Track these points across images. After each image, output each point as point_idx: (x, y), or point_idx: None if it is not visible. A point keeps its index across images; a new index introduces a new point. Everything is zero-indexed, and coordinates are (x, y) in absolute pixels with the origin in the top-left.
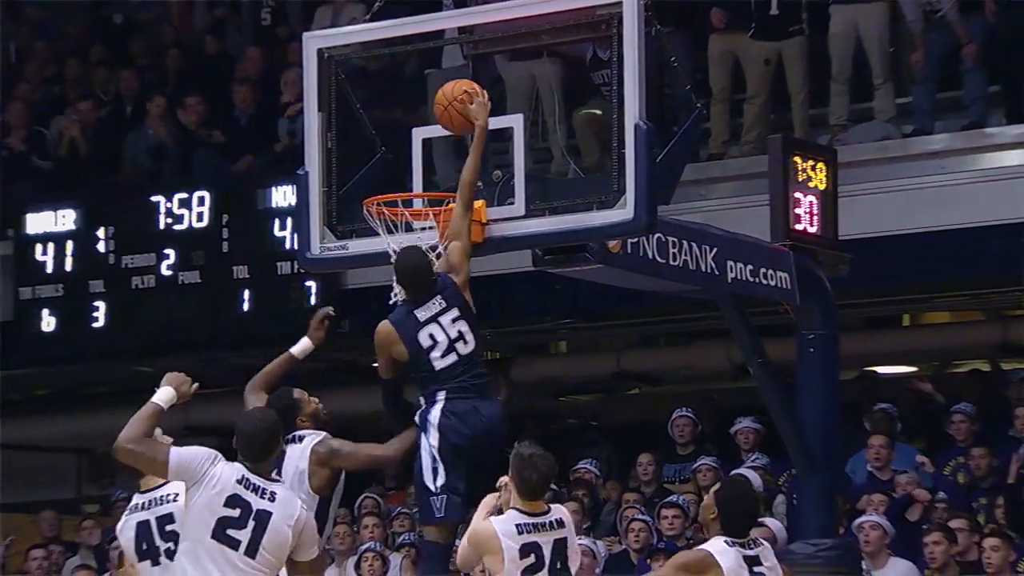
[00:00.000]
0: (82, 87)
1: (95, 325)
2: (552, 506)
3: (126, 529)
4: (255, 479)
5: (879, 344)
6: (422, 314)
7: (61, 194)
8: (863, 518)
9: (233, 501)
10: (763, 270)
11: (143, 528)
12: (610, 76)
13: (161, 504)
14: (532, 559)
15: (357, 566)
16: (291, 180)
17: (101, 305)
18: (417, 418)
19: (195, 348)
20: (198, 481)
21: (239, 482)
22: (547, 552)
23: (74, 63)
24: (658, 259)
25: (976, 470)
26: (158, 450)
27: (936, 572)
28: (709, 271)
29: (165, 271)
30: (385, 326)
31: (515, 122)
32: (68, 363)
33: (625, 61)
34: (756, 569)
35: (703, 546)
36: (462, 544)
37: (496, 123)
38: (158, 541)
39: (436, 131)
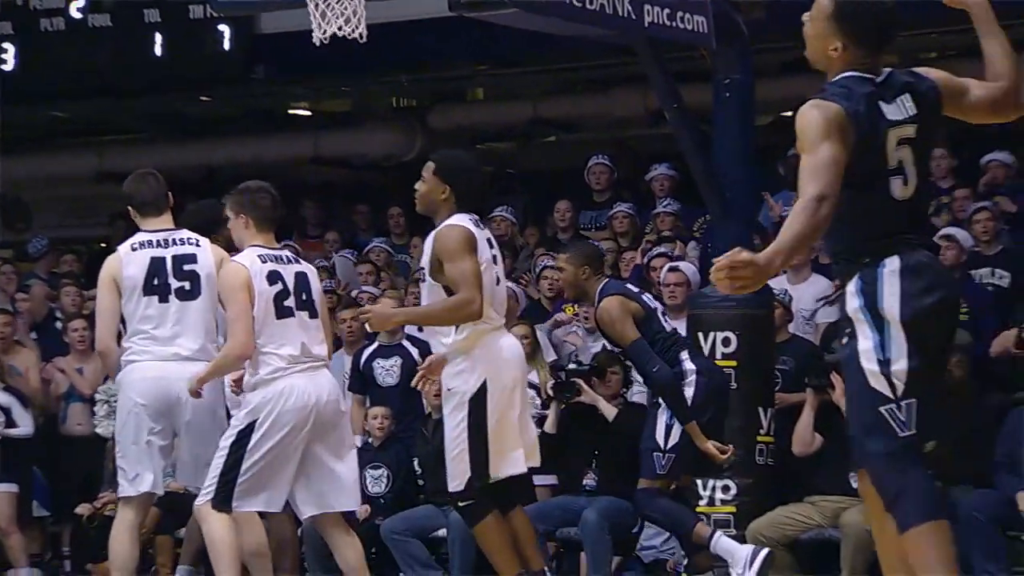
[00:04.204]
0: None
1: (4, 68)
2: None
3: (134, 261)
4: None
5: (795, 88)
6: None
7: None
8: None
9: None
10: (680, 14)
11: (157, 264)
12: None
13: (180, 244)
14: (280, 286)
15: None
16: None
17: (10, 48)
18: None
19: (107, 93)
20: None
21: None
22: (290, 282)
23: None
24: (575, 3)
25: None
26: None
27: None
28: (626, 15)
29: (75, 13)
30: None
31: None
32: None
33: None
34: (493, 251)
35: (456, 223)
36: (229, 298)
37: None
38: (171, 279)
39: None
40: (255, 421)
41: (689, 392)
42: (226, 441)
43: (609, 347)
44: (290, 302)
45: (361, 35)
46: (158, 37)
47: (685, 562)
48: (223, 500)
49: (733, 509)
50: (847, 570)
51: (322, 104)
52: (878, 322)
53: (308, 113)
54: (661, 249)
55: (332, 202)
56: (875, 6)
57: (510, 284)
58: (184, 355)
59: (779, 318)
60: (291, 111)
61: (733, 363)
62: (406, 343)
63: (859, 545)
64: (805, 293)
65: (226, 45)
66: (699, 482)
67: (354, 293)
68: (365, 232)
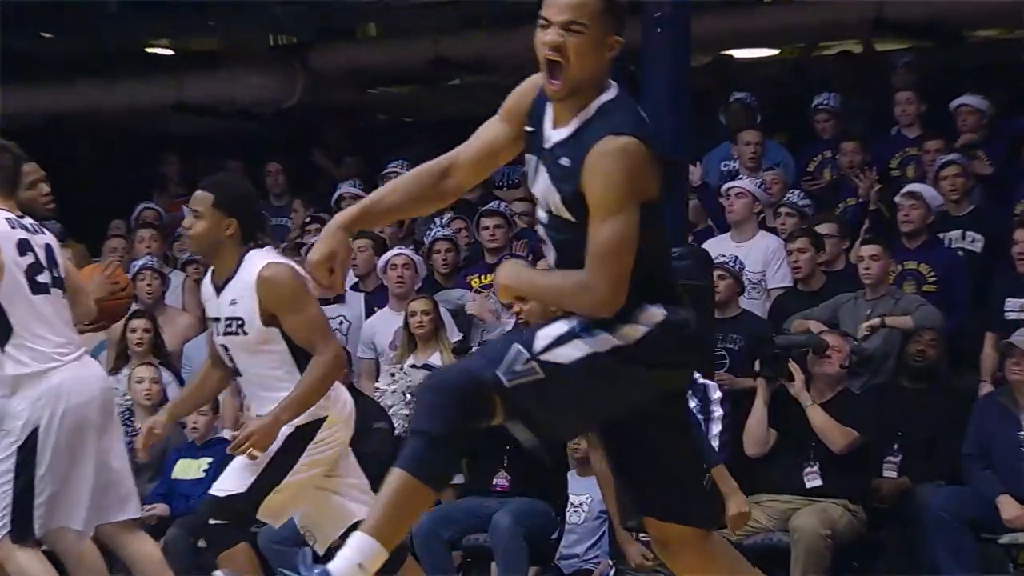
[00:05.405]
0: None
1: None
2: None
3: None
4: None
5: (736, 23)
6: None
7: None
8: (729, 184)
9: None
10: None
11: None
12: None
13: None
14: (31, 258)
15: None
16: None
17: None
18: None
19: None
20: None
21: None
22: (41, 255)
23: None
24: None
25: (848, 168)
26: None
27: (800, 281)
28: None
29: None
30: None
31: None
32: None
33: None
34: None
35: (276, 261)
36: None
37: None
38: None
39: None
40: (37, 429)
41: (716, 428)
42: (6, 463)
43: None
44: (44, 277)
45: None
46: None
47: (613, 571)
48: (24, 533)
49: None
50: None
51: (186, 42)
52: (593, 327)
53: (170, 53)
54: None
55: (199, 156)
56: None
57: (407, 252)
58: None
59: (727, 290)
60: (150, 50)
61: None
62: None
63: (811, 551)
64: (751, 254)
65: None
66: None
67: None
68: None
